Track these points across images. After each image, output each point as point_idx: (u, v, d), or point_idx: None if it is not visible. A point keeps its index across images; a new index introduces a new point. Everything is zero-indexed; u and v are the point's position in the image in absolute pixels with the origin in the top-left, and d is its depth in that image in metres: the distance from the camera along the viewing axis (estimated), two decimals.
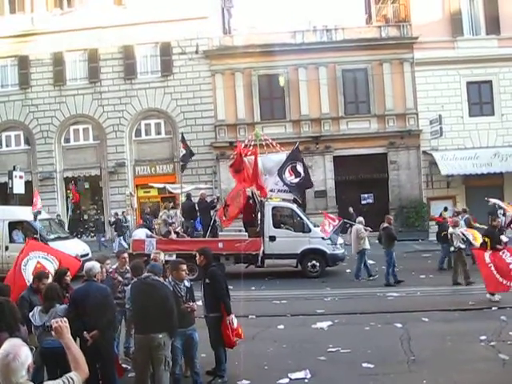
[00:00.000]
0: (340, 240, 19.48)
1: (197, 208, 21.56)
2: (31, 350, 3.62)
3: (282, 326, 11.95)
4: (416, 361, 9.23)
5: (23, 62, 31.43)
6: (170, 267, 8.48)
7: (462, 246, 16.37)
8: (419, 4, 29.89)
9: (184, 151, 21.22)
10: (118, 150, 30.89)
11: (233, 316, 8.66)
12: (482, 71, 29.34)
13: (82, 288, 7.69)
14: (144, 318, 7.40)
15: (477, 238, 16.34)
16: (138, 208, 30.22)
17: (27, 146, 31.99)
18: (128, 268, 9.67)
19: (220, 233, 20.36)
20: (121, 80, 31.08)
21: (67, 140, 31.93)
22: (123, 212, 27.60)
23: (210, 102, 30.66)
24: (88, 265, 7.97)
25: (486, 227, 17.72)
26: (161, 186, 27.07)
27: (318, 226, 19.80)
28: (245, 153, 19.49)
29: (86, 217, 31.95)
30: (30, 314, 7.23)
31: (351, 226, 19.34)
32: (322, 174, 29.70)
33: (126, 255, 10.19)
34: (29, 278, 9.33)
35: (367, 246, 18.07)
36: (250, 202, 21.00)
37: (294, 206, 19.78)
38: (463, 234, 16.52)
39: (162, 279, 7.93)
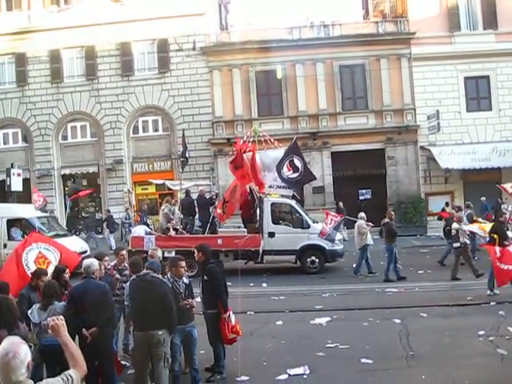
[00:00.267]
0: (339, 236, 19.51)
1: (196, 204, 21.57)
2: (30, 347, 3.62)
3: (280, 322, 11.98)
4: (415, 356, 9.26)
5: (20, 60, 31.35)
6: (168, 264, 8.48)
7: (468, 242, 16.41)
8: None
9: (182, 148, 21.23)
10: (115, 147, 30.85)
11: (230, 312, 8.68)
12: (480, 66, 29.32)
13: (80, 285, 7.70)
14: (143, 314, 7.41)
15: (483, 228, 16.49)
16: (136, 205, 30.27)
17: (25, 144, 31.94)
18: (126, 265, 9.68)
19: (219, 229, 20.37)
20: (118, 77, 31.01)
21: (65, 137, 31.89)
22: (127, 209, 27.60)
23: (208, 98, 30.61)
24: (86, 262, 7.98)
25: (487, 223, 17.84)
26: (160, 182, 27.10)
27: (317, 222, 19.85)
28: (244, 149, 19.49)
29: (84, 214, 31.93)
30: (29, 311, 7.24)
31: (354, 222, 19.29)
32: (320, 169, 29.66)
33: (124, 252, 10.20)
34: (30, 265, 9.37)
35: (370, 241, 18.06)
36: (249, 198, 21.02)
37: (293, 202, 19.76)
38: (470, 231, 16.55)
39: (160, 276, 7.93)
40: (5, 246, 19.44)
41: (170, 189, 26.77)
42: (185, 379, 8.24)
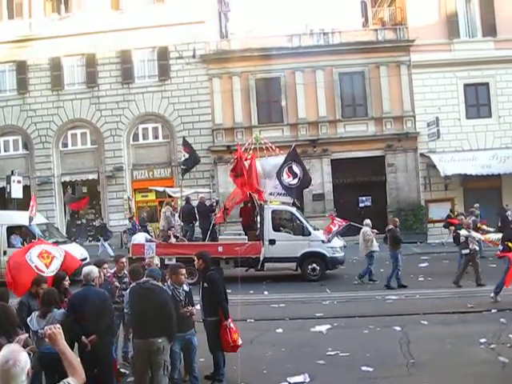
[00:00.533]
0: (340, 243, 19.50)
1: (196, 212, 21.56)
2: (29, 354, 3.61)
3: (280, 330, 11.95)
4: (415, 364, 9.23)
5: (21, 67, 31.43)
6: (169, 271, 8.47)
7: (478, 249, 16.40)
8: (415, 7, 29.91)
9: (187, 155, 21.07)
10: (115, 155, 30.88)
11: (230, 320, 8.64)
12: (479, 73, 29.36)
13: (80, 293, 7.68)
14: (143, 322, 7.39)
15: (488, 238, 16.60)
16: (136, 212, 30.23)
17: (25, 151, 31.96)
18: (126, 272, 9.67)
19: (220, 236, 20.36)
20: (118, 84, 31.08)
21: (65, 144, 31.92)
22: (131, 217, 27.57)
23: (208, 106, 30.65)
24: (86, 269, 7.96)
25: (492, 229, 17.85)
26: (161, 189, 27.11)
27: (318, 229, 19.84)
28: (245, 157, 19.52)
29: (84, 221, 31.91)
30: (28, 319, 7.22)
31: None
32: (320, 177, 29.69)
33: (124, 260, 10.18)
34: (33, 259, 9.42)
35: (375, 248, 18.00)
36: (249, 205, 21.03)
37: (294, 210, 19.76)
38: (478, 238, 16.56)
39: (160, 284, 7.91)
40: (4, 253, 19.42)
41: (170, 196, 26.78)
42: None
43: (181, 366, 8.28)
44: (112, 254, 24.79)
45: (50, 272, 9.33)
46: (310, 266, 18.76)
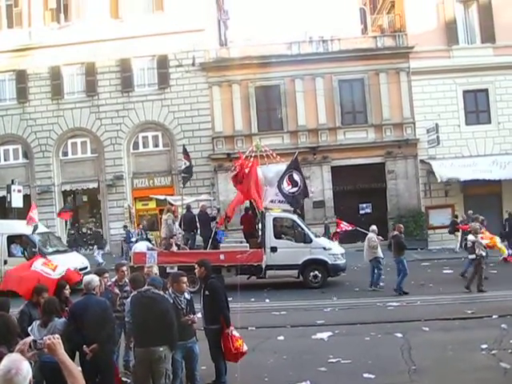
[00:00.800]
0: (341, 250, 19.50)
1: (197, 220, 21.56)
2: (30, 364, 3.60)
3: (281, 337, 11.93)
4: (417, 370, 9.20)
5: (21, 76, 31.50)
6: (170, 279, 8.46)
7: (484, 254, 16.41)
8: (414, 14, 30.02)
9: (188, 163, 21.15)
10: (115, 163, 30.90)
11: (232, 328, 8.63)
12: (478, 80, 29.42)
13: (81, 301, 7.67)
14: (144, 331, 7.38)
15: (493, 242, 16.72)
16: (136, 220, 30.25)
17: (25, 160, 32.00)
18: (127, 281, 9.65)
19: (221, 244, 20.35)
20: (118, 93, 31.15)
21: (65, 153, 31.95)
22: (139, 224, 27.58)
23: (208, 114, 30.71)
24: (87, 278, 7.96)
25: (495, 236, 17.92)
26: (162, 197, 27.09)
27: (319, 236, 19.86)
28: (246, 165, 19.55)
29: (84, 230, 31.90)
30: (29, 328, 7.20)
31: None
32: (320, 184, 29.72)
33: (124, 268, 10.16)
34: (38, 266, 9.62)
35: (380, 254, 17.98)
36: (250, 212, 21.03)
37: (295, 217, 19.78)
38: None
39: (161, 292, 7.90)
40: (5, 262, 19.43)
41: (171, 204, 26.78)
42: None
43: (182, 375, 8.26)
44: (100, 261, 24.85)
45: (56, 275, 9.47)
46: (311, 274, 18.74)
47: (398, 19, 31.82)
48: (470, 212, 25.66)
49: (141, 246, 19.32)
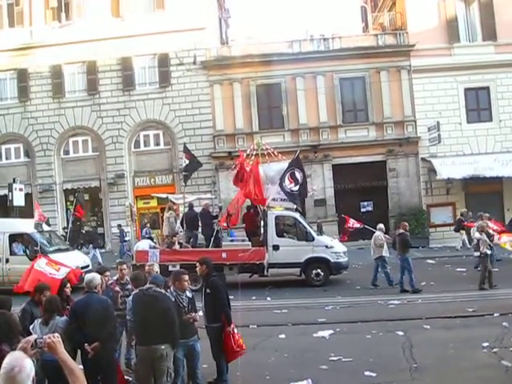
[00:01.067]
0: (343, 248, 19.49)
1: (199, 218, 21.56)
2: (32, 362, 3.61)
3: (283, 336, 11.92)
4: (418, 368, 9.20)
5: (22, 75, 31.53)
6: (172, 278, 8.46)
7: (488, 252, 16.41)
8: (415, 12, 30.00)
9: (188, 161, 21.11)
10: (117, 162, 30.93)
11: (233, 326, 8.64)
12: (480, 77, 29.40)
13: (82, 300, 7.68)
14: (146, 329, 7.38)
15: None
16: (137, 219, 30.29)
17: (27, 159, 32.05)
18: (128, 279, 9.66)
19: (223, 243, 20.36)
20: (119, 91, 31.16)
21: (66, 152, 31.98)
22: (147, 223, 27.61)
23: (209, 112, 30.72)
24: (88, 276, 7.96)
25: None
26: (163, 196, 27.10)
27: (321, 234, 19.86)
28: (247, 163, 19.55)
29: (86, 228, 31.91)
30: (31, 326, 7.21)
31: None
32: (321, 182, 29.71)
33: (124, 267, 10.15)
34: (44, 267, 9.69)
35: (385, 253, 17.99)
36: (252, 211, 21.03)
37: (297, 215, 19.79)
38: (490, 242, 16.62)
39: (163, 290, 7.91)
40: (7, 260, 19.45)
41: (173, 203, 26.81)
42: None
43: (184, 373, 8.26)
44: (100, 260, 24.92)
45: (61, 275, 9.54)
46: (313, 272, 18.73)
47: (399, 17, 31.79)
48: (464, 210, 25.87)
49: (143, 245, 19.32)
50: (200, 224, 21.56)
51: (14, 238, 20.07)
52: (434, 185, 29.33)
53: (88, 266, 19.53)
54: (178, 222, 20.78)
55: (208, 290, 8.68)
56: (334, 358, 9.97)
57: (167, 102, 30.88)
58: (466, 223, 24.67)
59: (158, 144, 31.73)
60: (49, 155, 31.31)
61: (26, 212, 24.99)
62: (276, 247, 18.63)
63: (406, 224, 18.58)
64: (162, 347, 7.27)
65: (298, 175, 18.85)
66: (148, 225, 28.37)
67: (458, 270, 20.40)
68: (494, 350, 9.95)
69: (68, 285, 8.61)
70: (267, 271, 18.47)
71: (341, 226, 27.03)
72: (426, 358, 9.77)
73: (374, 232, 18.66)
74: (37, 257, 12.77)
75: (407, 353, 10.13)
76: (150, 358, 7.31)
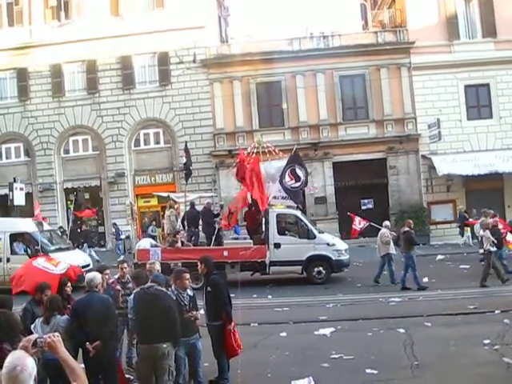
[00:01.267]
0: (345, 245, 19.50)
1: (200, 217, 21.59)
2: (34, 361, 3.61)
3: (284, 334, 11.93)
4: (420, 366, 9.21)
5: (22, 75, 31.52)
6: (173, 276, 8.47)
7: (492, 249, 16.41)
8: (415, 9, 29.95)
9: (185, 160, 21.22)
10: (117, 160, 30.93)
11: (233, 324, 8.64)
12: (480, 74, 29.37)
13: (83, 299, 7.68)
14: (147, 328, 7.38)
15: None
16: (138, 218, 30.30)
17: (27, 158, 32.05)
18: (129, 278, 9.66)
19: (225, 241, 20.37)
20: (119, 90, 31.14)
21: (67, 151, 31.98)
22: (153, 220, 27.63)
23: (209, 110, 30.70)
24: (89, 275, 7.97)
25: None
26: (165, 194, 27.12)
27: (323, 232, 19.87)
28: (247, 161, 19.55)
29: (86, 227, 31.85)
30: (32, 325, 7.22)
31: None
32: (322, 180, 29.69)
33: (125, 265, 10.15)
34: (41, 263, 9.73)
35: (392, 250, 17.99)
36: (253, 209, 21.04)
37: (299, 213, 19.79)
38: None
39: (164, 289, 7.91)
40: (8, 260, 19.47)
41: (174, 201, 26.86)
42: None
43: (185, 371, 8.26)
44: (96, 258, 24.96)
45: (59, 270, 9.55)
46: (315, 269, 18.74)
47: (399, 14, 31.74)
48: (461, 207, 25.93)
49: (144, 243, 19.33)
50: (201, 222, 21.58)
51: (14, 237, 20.08)
52: (435, 182, 29.31)
53: (89, 265, 19.53)
54: (179, 220, 20.81)
55: (209, 288, 8.69)
56: (335, 356, 9.98)
57: (167, 100, 30.86)
58: (468, 221, 24.69)
59: (158, 142, 31.72)
60: (49, 154, 31.31)
61: (26, 211, 24.98)
62: (277, 245, 18.63)
63: (411, 222, 18.49)
64: (164, 346, 7.27)
65: (300, 172, 18.86)
66: (154, 223, 28.45)
67: (461, 267, 20.38)
68: (496, 347, 9.96)
69: (69, 284, 8.61)
70: (269, 269, 18.48)
71: (348, 225, 27.01)
72: (427, 355, 9.77)
73: (379, 229, 18.67)
74: (37, 256, 12.85)
75: (408, 350, 10.13)
76: (152, 357, 7.31)
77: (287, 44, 30.85)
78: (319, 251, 18.74)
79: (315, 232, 19.15)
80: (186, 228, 20.80)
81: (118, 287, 9.57)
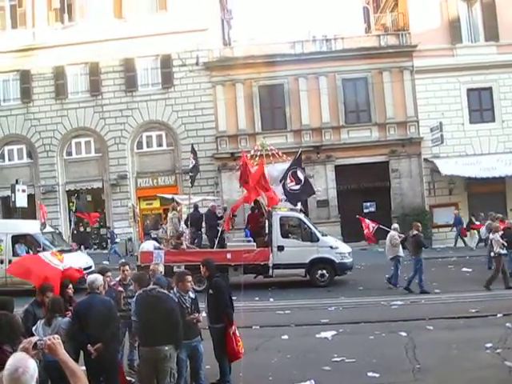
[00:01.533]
0: (348, 248, 19.49)
1: (204, 219, 21.57)
2: (36, 363, 3.61)
3: (286, 336, 11.92)
4: (421, 369, 9.19)
5: (25, 76, 31.58)
6: (175, 278, 8.47)
7: (502, 252, 16.40)
8: (418, 12, 29.96)
9: (194, 162, 21.16)
10: (119, 163, 30.96)
11: (234, 327, 8.63)
12: (482, 78, 29.37)
13: (85, 301, 7.68)
14: (149, 330, 7.37)
15: None
16: (140, 220, 30.27)
17: (29, 160, 32.09)
18: (131, 280, 9.65)
19: (228, 243, 20.36)
20: (122, 93, 31.19)
21: (69, 153, 32.01)
22: (162, 224, 27.61)
23: (211, 113, 30.73)
24: (91, 277, 7.96)
25: None
26: (169, 196, 27.11)
27: (326, 235, 19.86)
28: (251, 164, 19.55)
29: (88, 229, 31.96)
30: (34, 327, 7.22)
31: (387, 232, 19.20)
32: (324, 183, 29.68)
33: (127, 268, 10.14)
34: (48, 257, 9.86)
35: (401, 253, 17.99)
36: (256, 211, 21.03)
37: (302, 216, 19.81)
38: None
39: (166, 291, 7.90)
40: (10, 262, 19.44)
41: (177, 203, 26.87)
42: None
43: (187, 374, 8.26)
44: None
45: (63, 266, 9.60)
46: (318, 272, 18.73)
47: (402, 18, 31.75)
48: (457, 211, 25.98)
49: (148, 245, 19.30)
50: (204, 225, 21.57)
51: (16, 239, 20.07)
52: (437, 185, 29.31)
53: (90, 267, 19.52)
54: (182, 222, 20.79)
55: (211, 291, 8.69)
56: (337, 359, 9.96)
57: (170, 102, 30.90)
58: (474, 225, 24.70)
59: (160, 145, 31.74)
60: (51, 156, 31.34)
61: (28, 213, 25.04)
62: (281, 248, 18.62)
63: (419, 224, 18.43)
64: (166, 348, 7.26)
65: (301, 175, 18.88)
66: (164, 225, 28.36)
67: (464, 270, 20.35)
68: (498, 350, 9.94)
69: (70, 285, 8.61)
70: (272, 272, 18.47)
71: (350, 228, 27.04)
72: (429, 358, 9.75)
73: (385, 232, 18.68)
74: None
75: (410, 353, 10.11)
76: (154, 359, 7.31)
77: (290, 47, 30.88)
78: (322, 254, 18.74)
79: (318, 235, 19.15)
80: (189, 230, 20.77)
81: (120, 288, 9.57)
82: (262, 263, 18.23)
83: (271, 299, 16.95)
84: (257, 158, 20.12)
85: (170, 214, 20.92)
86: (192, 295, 8.24)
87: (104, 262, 23.30)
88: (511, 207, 27.88)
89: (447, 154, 29.02)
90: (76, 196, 31.35)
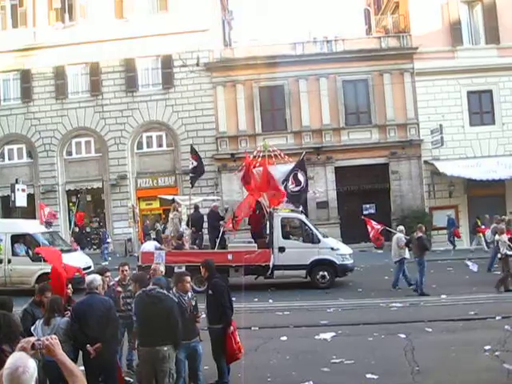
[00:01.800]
0: (349, 250, 19.49)
1: (205, 219, 21.56)
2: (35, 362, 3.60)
3: (285, 338, 11.91)
4: (420, 371, 9.18)
5: (25, 76, 31.58)
6: (174, 279, 8.46)
7: (509, 253, 16.42)
8: (419, 14, 29.98)
9: (195, 163, 21.07)
10: (119, 163, 30.96)
11: (232, 328, 8.62)
12: (482, 80, 29.39)
13: (84, 301, 7.67)
14: (149, 330, 7.37)
15: None
16: (140, 220, 30.26)
17: (29, 159, 32.08)
18: (130, 280, 9.64)
19: (229, 244, 20.35)
20: (122, 93, 31.19)
21: (69, 153, 32.00)
22: (164, 223, 27.70)
23: (212, 114, 30.74)
24: (89, 277, 7.95)
25: None
26: (169, 197, 27.10)
27: (327, 237, 19.86)
28: (253, 164, 19.55)
29: (88, 229, 31.96)
30: (32, 327, 7.21)
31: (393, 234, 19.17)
32: (324, 184, 29.67)
33: (126, 268, 10.13)
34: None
35: (407, 255, 18.00)
36: (257, 213, 21.01)
37: (303, 217, 19.82)
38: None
39: (165, 292, 7.90)
40: (9, 261, 19.45)
41: (178, 204, 26.86)
42: None
43: (185, 374, 8.25)
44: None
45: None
46: (319, 274, 18.73)
47: (403, 20, 31.79)
48: (449, 214, 26.05)
49: (149, 246, 19.28)
50: (206, 225, 21.55)
51: (16, 238, 20.06)
52: (437, 187, 29.32)
53: (90, 267, 19.52)
54: (183, 223, 20.79)
55: (210, 292, 8.69)
56: (336, 361, 9.96)
57: (170, 103, 30.91)
58: (479, 228, 24.69)
59: (160, 145, 31.74)
60: (51, 156, 31.34)
61: (28, 213, 25.03)
62: (282, 249, 18.62)
63: (423, 227, 18.48)
64: (165, 348, 7.26)
65: (301, 177, 18.89)
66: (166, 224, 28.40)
67: (468, 263, 20.32)
68: (496, 353, 9.93)
69: (69, 285, 8.60)
70: (273, 273, 18.47)
71: (350, 230, 27.06)
72: (427, 360, 9.75)
73: (390, 234, 18.68)
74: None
75: (409, 355, 10.11)
76: (152, 360, 7.30)
77: (290, 48, 30.89)
78: (323, 255, 18.74)
79: (320, 236, 19.15)
80: (190, 231, 20.76)
81: (119, 288, 9.56)
82: (263, 264, 18.23)
83: (270, 300, 16.94)
84: (259, 159, 20.11)
85: (170, 215, 20.92)
86: (191, 296, 8.24)
87: (103, 263, 23.29)
88: (511, 210, 27.85)
89: (447, 157, 29.04)
90: (77, 196, 31.33)
